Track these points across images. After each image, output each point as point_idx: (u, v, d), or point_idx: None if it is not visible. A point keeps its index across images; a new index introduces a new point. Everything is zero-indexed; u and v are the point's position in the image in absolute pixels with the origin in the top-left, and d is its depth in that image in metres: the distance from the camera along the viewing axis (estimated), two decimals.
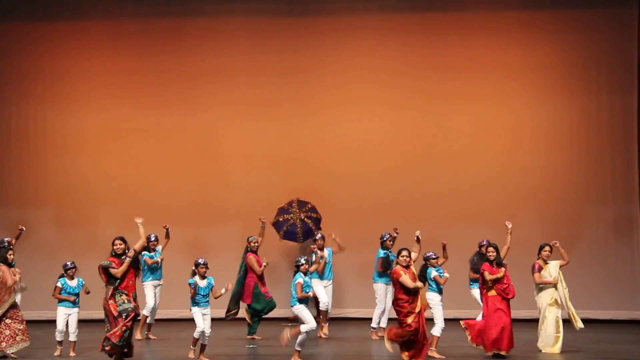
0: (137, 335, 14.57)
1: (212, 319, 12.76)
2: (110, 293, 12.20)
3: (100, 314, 12.22)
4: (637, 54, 17.71)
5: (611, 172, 17.69)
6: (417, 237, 12.74)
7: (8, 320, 12.95)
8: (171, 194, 17.89)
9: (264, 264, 14.66)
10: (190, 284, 12.61)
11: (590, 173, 17.69)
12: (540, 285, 13.39)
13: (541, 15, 17.92)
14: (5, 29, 18.21)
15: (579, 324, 13.47)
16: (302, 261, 12.44)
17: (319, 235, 15.18)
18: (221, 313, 14.64)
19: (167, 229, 15.01)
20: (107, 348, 12.07)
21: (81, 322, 13.39)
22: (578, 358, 13.17)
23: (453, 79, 17.81)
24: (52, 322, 14.38)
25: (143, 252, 14.82)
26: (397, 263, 12.36)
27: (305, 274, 12.41)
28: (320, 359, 13.05)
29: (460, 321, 13.02)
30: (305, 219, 16.82)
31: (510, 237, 13.41)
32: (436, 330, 12.81)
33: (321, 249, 14.98)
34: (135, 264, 12.46)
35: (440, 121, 17.84)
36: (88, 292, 13.18)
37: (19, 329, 13.02)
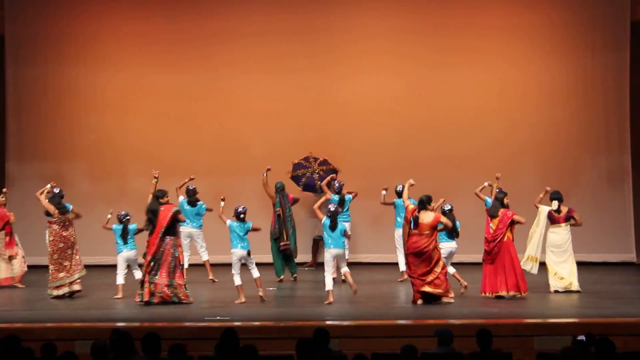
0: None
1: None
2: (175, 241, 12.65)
3: None
4: (630, 12, 17.63)
5: (605, 125, 17.74)
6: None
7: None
8: (193, 147, 17.97)
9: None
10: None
11: (585, 127, 17.76)
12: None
13: None
14: None
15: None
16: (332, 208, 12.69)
17: (340, 184, 15.33)
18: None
19: (190, 180, 15.03)
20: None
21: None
22: (577, 297, 13.38)
23: (460, 38, 17.80)
24: (89, 267, 14.54)
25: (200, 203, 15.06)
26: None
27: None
28: (337, 299, 13.15)
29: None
30: (321, 172, 16.94)
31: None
32: (452, 270, 13.28)
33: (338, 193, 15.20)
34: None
35: (448, 78, 17.85)
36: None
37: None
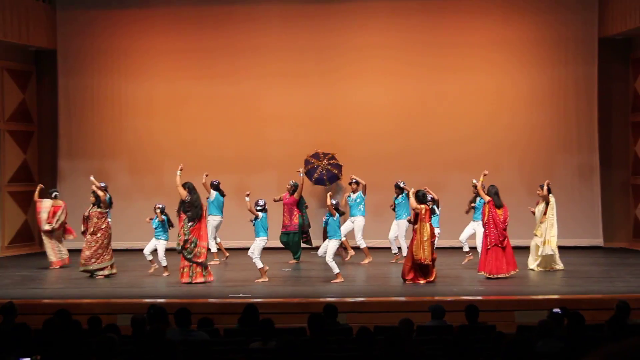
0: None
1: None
2: None
3: None
4: (598, 31, 17.56)
5: (576, 128, 17.69)
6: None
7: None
8: (220, 147, 17.97)
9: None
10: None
11: (559, 129, 17.71)
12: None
13: (519, 1, 17.81)
14: (88, 16, 18.25)
15: (543, 252, 13.70)
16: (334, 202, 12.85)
17: (354, 180, 15.35)
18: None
19: (206, 176, 15.01)
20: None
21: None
22: (550, 275, 13.37)
23: (448, 52, 17.75)
24: (128, 251, 14.58)
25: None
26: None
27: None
28: (345, 280, 13.16)
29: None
30: (329, 166, 16.95)
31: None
32: None
33: (355, 192, 15.16)
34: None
35: (438, 87, 17.82)
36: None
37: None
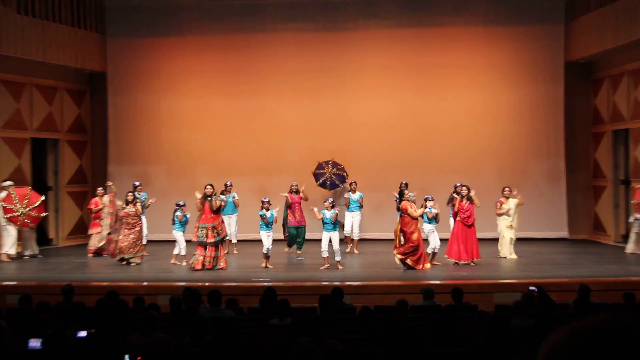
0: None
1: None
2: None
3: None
4: (564, 56, 17.52)
5: (545, 138, 17.65)
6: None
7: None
8: (242, 155, 17.95)
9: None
10: (260, 215, 12.79)
11: (531, 138, 17.66)
12: (499, 215, 13.55)
13: (498, 30, 17.78)
14: (133, 44, 18.28)
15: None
16: (330, 200, 12.77)
17: (352, 182, 15.33)
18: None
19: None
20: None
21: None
22: (523, 262, 13.35)
23: (439, 73, 17.71)
24: (165, 242, 14.59)
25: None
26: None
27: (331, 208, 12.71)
28: (349, 266, 13.18)
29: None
30: (334, 172, 16.91)
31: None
32: (429, 249, 12.95)
33: (354, 192, 15.07)
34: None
35: (430, 102, 17.77)
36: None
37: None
